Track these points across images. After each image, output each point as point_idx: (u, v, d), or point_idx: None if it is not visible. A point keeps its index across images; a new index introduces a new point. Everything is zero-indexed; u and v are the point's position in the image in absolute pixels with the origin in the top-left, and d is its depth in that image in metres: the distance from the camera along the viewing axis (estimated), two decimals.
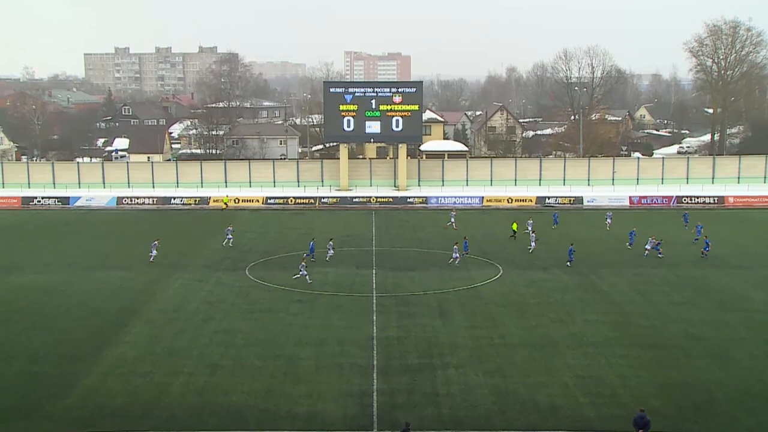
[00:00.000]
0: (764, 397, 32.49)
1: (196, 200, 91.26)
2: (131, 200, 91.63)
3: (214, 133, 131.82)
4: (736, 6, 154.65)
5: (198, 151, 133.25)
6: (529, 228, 66.18)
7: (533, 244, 61.78)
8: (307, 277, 51.42)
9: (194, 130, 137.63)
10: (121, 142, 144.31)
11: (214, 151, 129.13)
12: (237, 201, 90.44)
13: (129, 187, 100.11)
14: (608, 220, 72.36)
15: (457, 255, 56.74)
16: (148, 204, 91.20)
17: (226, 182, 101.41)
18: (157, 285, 51.57)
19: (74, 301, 47.65)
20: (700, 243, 61.95)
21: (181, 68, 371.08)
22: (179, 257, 60.29)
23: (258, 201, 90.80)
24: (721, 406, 31.68)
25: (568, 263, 56.26)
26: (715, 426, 29.90)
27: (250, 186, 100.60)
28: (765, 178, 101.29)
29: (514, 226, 67.62)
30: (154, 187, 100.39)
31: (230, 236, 65.33)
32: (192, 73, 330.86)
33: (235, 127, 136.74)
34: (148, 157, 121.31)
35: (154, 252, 59.13)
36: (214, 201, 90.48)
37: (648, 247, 59.58)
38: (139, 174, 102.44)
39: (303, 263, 52.69)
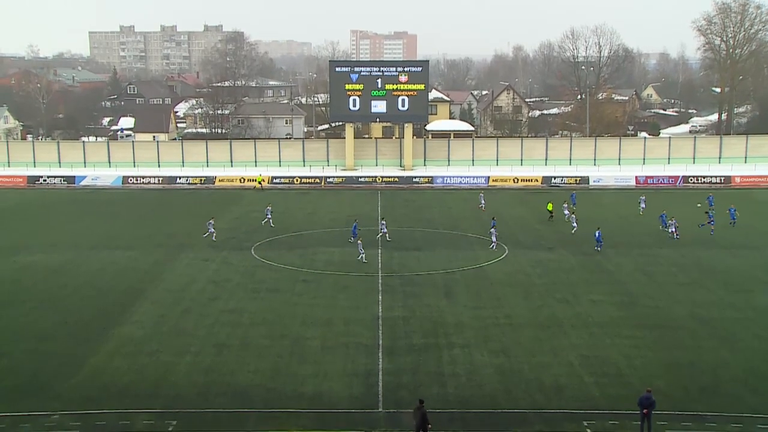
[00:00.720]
0: None
1: (201, 179, 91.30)
2: (137, 179, 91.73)
3: (219, 112, 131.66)
4: None
5: (203, 130, 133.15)
6: (566, 212, 65.71)
7: (575, 224, 61.08)
8: (363, 256, 51.66)
9: (200, 110, 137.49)
10: (127, 121, 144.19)
11: (219, 131, 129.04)
12: (242, 180, 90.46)
13: (134, 166, 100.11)
14: (642, 205, 70.29)
15: (495, 240, 56.06)
16: (154, 183, 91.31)
17: (231, 161, 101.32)
18: (163, 265, 51.69)
19: (81, 281, 47.83)
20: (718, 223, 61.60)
21: (187, 47, 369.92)
22: (185, 237, 60.35)
23: (264, 181, 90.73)
24: (727, 387, 31.72)
25: (598, 248, 54.91)
26: (720, 406, 29.94)
27: (256, 165, 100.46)
28: None
29: (549, 207, 67.21)
30: (159, 166, 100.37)
31: (269, 215, 65.06)
32: (197, 52, 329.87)
33: (240, 106, 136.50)
34: (154, 137, 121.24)
35: (212, 230, 59.03)
36: (219, 180, 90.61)
37: (672, 229, 59.15)
38: (144, 153, 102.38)
39: (359, 241, 52.87)
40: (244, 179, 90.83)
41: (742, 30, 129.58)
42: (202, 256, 54.08)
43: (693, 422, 28.82)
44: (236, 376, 32.81)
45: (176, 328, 38.80)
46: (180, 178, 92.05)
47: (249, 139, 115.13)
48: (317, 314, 40.91)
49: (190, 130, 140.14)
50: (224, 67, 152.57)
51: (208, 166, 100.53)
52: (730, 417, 29.09)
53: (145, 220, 68.86)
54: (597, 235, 55.68)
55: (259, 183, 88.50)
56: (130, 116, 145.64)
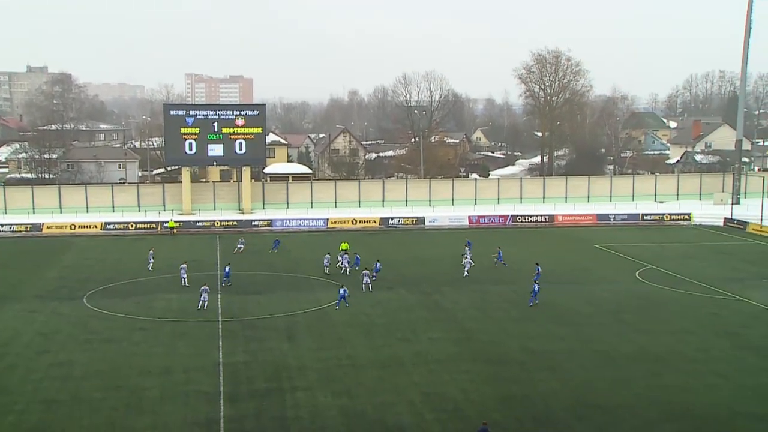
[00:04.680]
0: (594, 405, 34.59)
1: (27, 227, 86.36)
2: None
3: (46, 156, 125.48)
4: (558, 36, 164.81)
5: (29, 175, 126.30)
6: (467, 255, 64.39)
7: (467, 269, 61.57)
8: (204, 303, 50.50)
9: (24, 154, 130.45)
10: None
11: (47, 176, 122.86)
12: (73, 227, 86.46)
13: None
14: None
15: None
16: None
17: (60, 208, 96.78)
18: None
19: None
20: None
21: (8, 88, 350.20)
22: (9, 288, 56.89)
23: (96, 227, 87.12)
24: (557, 416, 33.47)
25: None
26: None
27: (87, 211, 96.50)
28: (588, 197, 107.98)
29: (344, 245, 66.79)
30: None
31: (152, 260, 63.55)
32: (20, 94, 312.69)
33: (69, 150, 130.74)
34: None
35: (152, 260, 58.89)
36: (47, 227, 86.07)
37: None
38: None
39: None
40: (75, 225, 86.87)
41: (557, 79, 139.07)
42: (28, 308, 51.15)
43: None
44: None
45: None
46: (3, 225, 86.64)
47: (80, 184, 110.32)
48: (155, 363, 39.65)
49: (13, 176, 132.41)
50: (50, 110, 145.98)
51: (34, 212, 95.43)
52: None
53: None
54: (377, 266, 60.10)
55: (171, 228, 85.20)
56: None
